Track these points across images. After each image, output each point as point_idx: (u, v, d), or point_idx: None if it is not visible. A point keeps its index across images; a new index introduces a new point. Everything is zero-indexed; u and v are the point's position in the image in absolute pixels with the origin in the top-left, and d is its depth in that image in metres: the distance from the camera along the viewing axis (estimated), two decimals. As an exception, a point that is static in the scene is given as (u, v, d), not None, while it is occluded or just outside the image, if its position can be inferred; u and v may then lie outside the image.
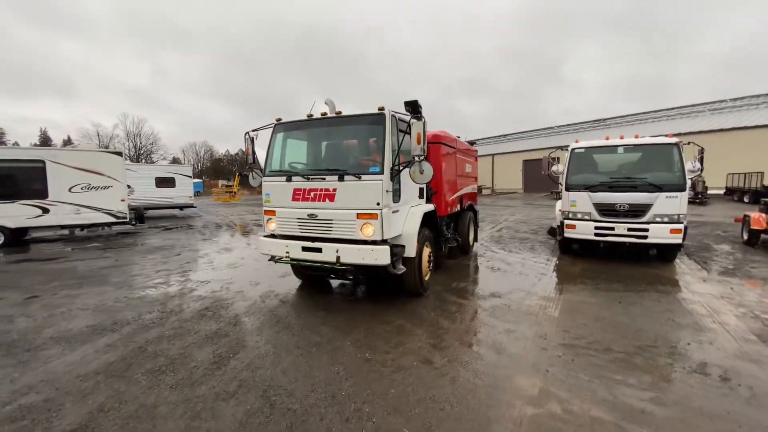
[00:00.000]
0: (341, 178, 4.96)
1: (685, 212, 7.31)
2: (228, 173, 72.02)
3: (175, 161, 64.44)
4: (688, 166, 7.52)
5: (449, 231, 7.78)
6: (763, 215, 9.20)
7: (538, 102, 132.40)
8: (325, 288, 6.37)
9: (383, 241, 4.86)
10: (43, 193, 11.91)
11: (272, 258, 5.53)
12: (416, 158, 4.72)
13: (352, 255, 4.85)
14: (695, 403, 3.03)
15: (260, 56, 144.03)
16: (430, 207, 6.20)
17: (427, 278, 5.91)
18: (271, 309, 5.38)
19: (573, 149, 8.40)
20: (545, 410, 2.93)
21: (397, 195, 5.11)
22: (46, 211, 11.96)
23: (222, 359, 3.82)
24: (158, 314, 5.22)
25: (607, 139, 8.48)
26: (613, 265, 7.71)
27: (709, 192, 25.54)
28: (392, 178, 4.92)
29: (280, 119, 5.72)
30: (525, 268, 7.62)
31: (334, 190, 5.00)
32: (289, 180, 5.35)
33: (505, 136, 61.31)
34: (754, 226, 9.21)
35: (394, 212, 5.03)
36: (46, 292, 6.43)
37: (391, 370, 3.56)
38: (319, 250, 5.06)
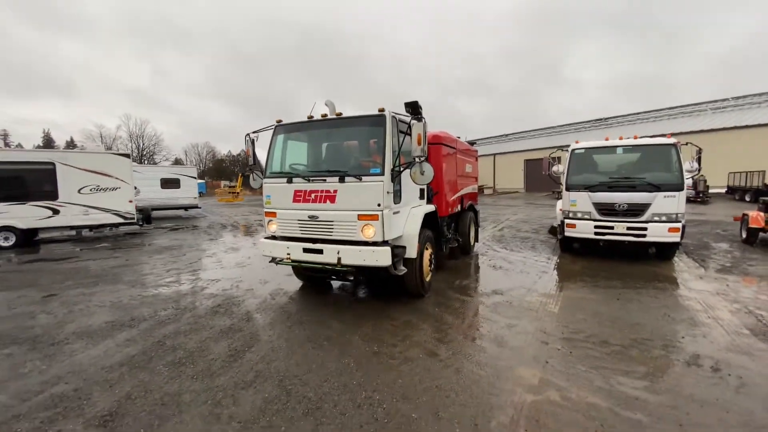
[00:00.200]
0: (342, 180, 4.97)
1: (683, 211, 7.48)
2: (230, 174, 72.45)
3: (177, 162, 64.84)
4: (686, 166, 7.70)
5: (450, 231, 7.82)
6: (761, 214, 9.35)
7: (539, 102, 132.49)
8: (331, 287, 6.56)
9: (384, 242, 4.87)
10: (53, 195, 12.18)
11: (273, 260, 5.53)
12: (417, 159, 4.73)
13: (353, 256, 4.86)
14: (686, 391, 3.22)
15: (260, 56, 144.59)
16: (431, 208, 6.22)
17: (428, 279, 5.93)
18: (281, 306, 5.58)
19: (573, 150, 8.58)
20: (544, 397, 3.12)
21: (397, 196, 5.13)
22: (56, 212, 12.22)
23: (238, 352, 4.03)
24: (173, 311, 5.43)
25: (607, 139, 8.65)
26: (613, 263, 7.89)
27: (710, 191, 25.62)
28: (393, 179, 4.93)
29: (280, 121, 5.75)
30: (526, 267, 7.80)
31: (335, 191, 5.01)
32: (289, 181, 5.37)
33: (506, 135, 61.41)
34: (752, 225, 9.36)
35: (394, 213, 5.04)
36: (62, 291, 6.65)
37: (398, 362, 3.76)
38: (320, 251, 5.07)
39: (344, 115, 5.33)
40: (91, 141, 59.78)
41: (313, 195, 5.16)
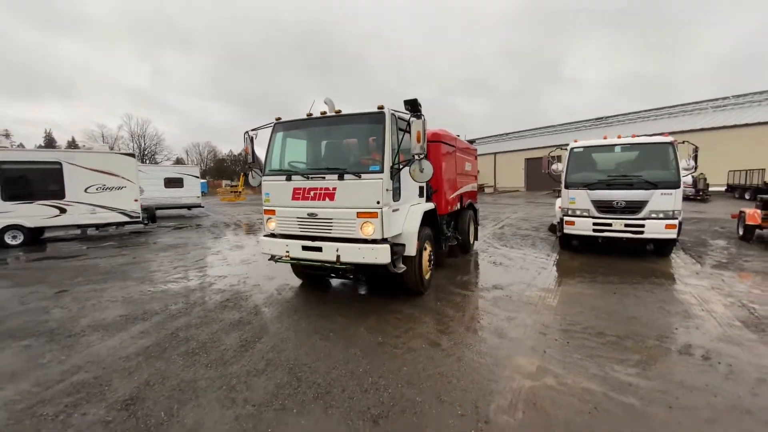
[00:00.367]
0: (341, 177, 4.97)
1: (679, 208, 7.63)
2: (231, 173, 72.66)
3: (178, 162, 65.08)
4: (682, 164, 7.84)
5: (449, 230, 7.84)
6: (758, 211, 9.49)
7: (539, 101, 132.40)
8: (334, 283, 6.73)
9: (383, 240, 4.86)
10: (60, 194, 12.37)
11: (272, 257, 5.54)
12: (416, 157, 4.73)
13: (352, 254, 4.86)
14: (677, 377, 3.38)
15: (261, 56, 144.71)
16: (430, 205, 6.21)
17: (427, 277, 5.94)
18: (288, 300, 5.76)
19: (572, 148, 8.73)
20: (542, 383, 3.29)
21: (397, 194, 5.12)
22: (63, 211, 12.41)
23: (248, 343, 4.21)
24: (183, 305, 5.60)
25: (605, 138, 8.80)
26: (611, 259, 8.04)
27: (710, 189, 25.74)
28: (392, 177, 4.92)
29: (279, 118, 5.74)
30: (526, 263, 7.96)
31: (334, 189, 5.00)
32: (288, 179, 5.35)
33: (507, 134, 61.53)
34: (749, 222, 9.51)
35: (394, 211, 5.04)
36: (73, 287, 6.83)
37: (402, 351, 3.93)
38: (319, 249, 5.07)
39: (343, 112, 5.34)
40: (93, 141, 59.95)
41: (312, 193, 5.16)
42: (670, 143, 7.84)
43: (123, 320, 5.06)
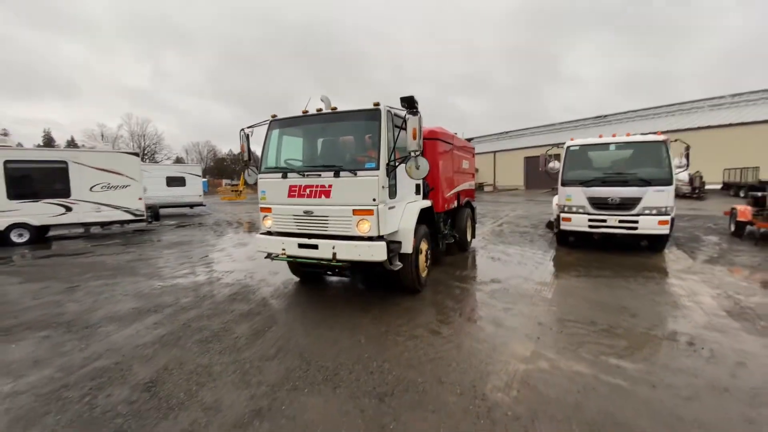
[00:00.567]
0: (337, 174, 4.95)
1: (672, 205, 7.86)
2: (231, 172, 72.81)
3: (178, 161, 65.21)
4: (675, 162, 8.07)
5: (447, 228, 7.86)
6: (749, 208, 9.73)
7: (539, 99, 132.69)
8: (337, 278, 6.95)
9: (379, 237, 4.85)
10: (65, 193, 12.57)
11: (268, 255, 5.53)
12: (412, 154, 4.72)
13: (349, 251, 4.84)
14: (661, 360, 3.62)
15: (260, 55, 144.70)
16: (427, 203, 6.20)
17: (424, 275, 5.94)
18: (294, 293, 5.99)
19: (568, 147, 8.96)
20: (535, 366, 3.52)
21: (393, 191, 5.11)
22: (68, 209, 12.62)
23: (259, 332, 4.44)
24: (193, 299, 5.83)
25: (601, 137, 9.03)
26: (606, 255, 8.27)
27: (706, 187, 25.99)
28: (388, 174, 4.91)
29: (275, 115, 5.71)
30: (524, 259, 8.19)
31: (330, 186, 4.99)
32: (284, 177, 5.34)
33: (506, 133, 61.74)
34: (740, 218, 9.75)
35: (390, 208, 5.03)
36: (84, 282, 7.05)
37: (405, 339, 4.16)
38: (315, 246, 5.04)
39: (339, 109, 5.32)
40: (93, 140, 60.01)
41: (308, 190, 5.14)
42: (663, 142, 8.07)
43: (136, 312, 5.28)
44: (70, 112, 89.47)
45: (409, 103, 4.73)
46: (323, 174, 5.09)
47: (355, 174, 4.89)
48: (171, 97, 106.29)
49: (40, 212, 12.20)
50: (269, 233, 5.64)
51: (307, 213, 5.18)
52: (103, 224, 13.66)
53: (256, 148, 5.95)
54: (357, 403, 2.99)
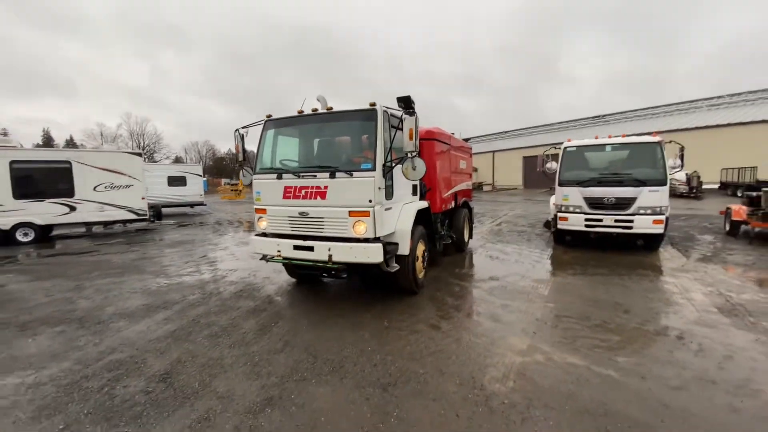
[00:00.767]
0: (333, 176, 4.89)
1: (666, 204, 8.04)
2: (230, 172, 72.88)
3: (177, 160, 65.31)
4: (669, 162, 8.26)
5: (444, 228, 7.82)
6: (744, 207, 9.92)
7: (537, 99, 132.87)
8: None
9: (376, 239, 4.80)
10: (69, 192, 12.73)
11: (264, 257, 5.47)
12: (409, 154, 4.68)
13: (345, 253, 4.80)
14: (651, 353, 3.80)
15: (259, 55, 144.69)
16: (424, 204, 6.14)
17: (421, 276, 5.92)
18: (298, 291, 6.16)
19: (565, 148, 9.14)
20: (531, 359, 3.70)
21: (389, 192, 5.06)
22: (72, 209, 12.78)
23: (266, 327, 4.61)
24: (200, 296, 5.99)
25: (597, 138, 9.21)
26: (602, 254, 8.45)
27: (704, 186, 26.19)
28: (384, 175, 4.85)
29: (270, 115, 5.64)
30: (521, 257, 8.37)
31: (326, 187, 4.93)
32: (279, 177, 5.28)
33: (505, 132, 61.92)
34: (734, 218, 9.94)
35: (386, 209, 4.98)
36: (92, 280, 7.21)
37: (406, 333, 4.34)
38: (310, 248, 4.99)
39: (335, 109, 5.26)
40: (93, 139, 60.27)
41: (303, 191, 5.08)
42: (658, 143, 8.25)
43: (146, 309, 5.45)
44: (69, 111, 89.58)
45: (406, 103, 4.67)
46: (319, 175, 5.03)
47: (351, 175, 4.84)
48: (170, 96, 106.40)
49: (45, 212, 12.36)
50: (264, 234, 5.59)
51: (303, 214, 5.13)
52: (106, 223, 13.82)
53: (252, 149, 5.91)
54: (362, 392, 3.17)
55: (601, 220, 8.36)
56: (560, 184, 8.95)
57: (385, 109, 5.02)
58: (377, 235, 4.80)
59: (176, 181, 22.10)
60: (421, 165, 4.74)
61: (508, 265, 7.70)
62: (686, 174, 23.68)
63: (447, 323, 4.64)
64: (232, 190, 38.94)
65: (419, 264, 5.83)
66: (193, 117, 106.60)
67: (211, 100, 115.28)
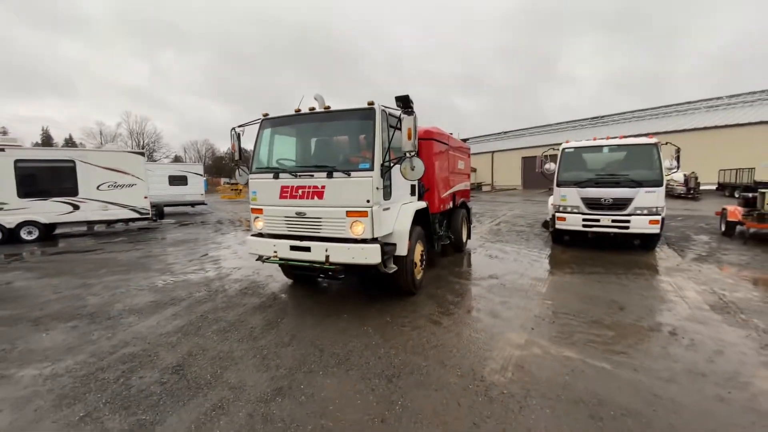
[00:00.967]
0: (330, 175, 4.85)
1: (662, 205, 8.20)
2: (230, 171, 72.98)
3: (177, 159, 65.43)
4: (665, 164, 8.42)
5: (442, 229, 7.81)
6: (739, 208, 10.09)
7: (537, 99, 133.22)
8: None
9: (374, 240, 4.76)
10: (73, 191, 12.86)
11: (260, 257, 5.41)
12: (407, 154, 4.64)
13: (342, 254, 4.75)
14: (644, 347, 3.95)
15: (258, 55, 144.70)
16: (422, 204, 6.09)
17: (419, 277, 5.88)
18: (302, 288, 6.30)
19: (564, 149, 9.30)
20: (529, 352, 3.86)
21: (387, 192, 5.03)
22: (76, 207, 12.92)
23: (272, 322, 4.76)
24: (206, 293, 6.14)
25: (595, 139, 9.37)
26: (599, 253, 8.61)
27: (702, 187, 26.38)
28: (383, 175, 4.82)
29: (266, 114, 5.60)
30: (520, 256, 8.52)
31: (323, 187, 4.89)
32: (276, 177, 5.23)
33: (504, 133, 62.13)
34: (730, 218, 10.11)
35: (384, 210, 4.94)
36: (99, 277, 7.35)
37: (409, 329, 4.49)
38: (307, 249, 4.94)
39: (333, 108, 5.21)
40: (92, 138, 60.39)
41: (300, 191, 5.04)
42: (654, 144, 8.41)
43: (154, 305, 5.59)
44: (68, 110, 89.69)
45: (404, 102, 4.63)
46: (316, 174, 4.98)
47: (349, 175, 4.79)
48: (169, 95, 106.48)
49: (49, 210, 12.49)
50: (261, 235, 5.55)
51: (300, 214, 5.09)
52: (108, 222, 13.95)
53: (249, 148, 5.88)
54: (368, 383, 3.32)
55: (598, 221, 8.53)
56: (558, 185, 9.11)
57: (383, 108, 4.98)
58: (375, 236, 4.76)
59: (177, 180, 22.23)
60: (419, 165, 4.70)
61: (507, 263, 7.86)
62: (684, 175, 23.87)
63: (448, 319, 4.80)
64: (232, 190, 39.13)
65: (417, 265, 5.82)
66: (192, 116, 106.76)
67: (210, 100, 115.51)
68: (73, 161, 12.87)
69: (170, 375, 3.54)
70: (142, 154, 15.03)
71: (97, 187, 13.23)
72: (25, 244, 11.89)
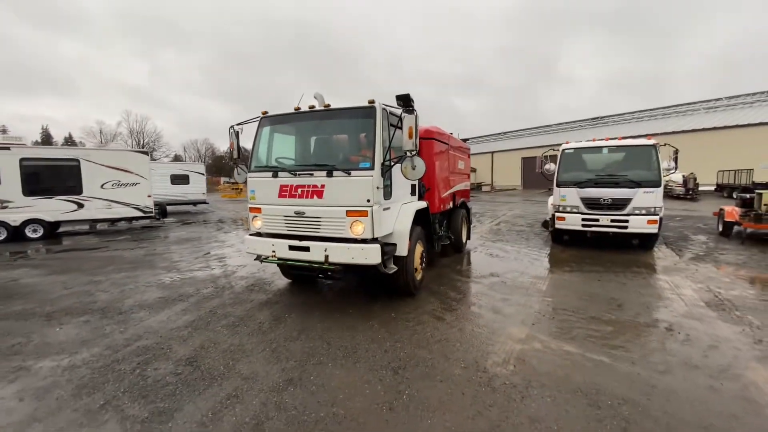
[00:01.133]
0: (330, 174, 4.80)
1: (660, 205, 8.35)
2: (230, 171, 73.03)
3: (177, 159, 65.53)
4: (663, 164, 8.57)
5: (442, 229, 7.78)
6: (736, 209, 10.24)
7: (536, 100, 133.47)
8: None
9: (374, 240, 4.71)
10: (77, 190, 12.98)
11: (258, 257, 5.36)
12: (408, 153, 4.58)
13: (342, 254, 4.70)
14: (641, 341, 4.10)
15: (258, 54, 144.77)
16: (423, 204, 6.06)
17: (419, 278, 5.83)
18: (308, 284, 6.43)
19: (563, 150, 9.44)
20: (530, 346, 3.99)
21: (388, 191, 4.99)
22: (80, 206, 13.03)
23: (280, 317, 4.89)
24: (213, 289, 6.27)
25: (594, 140, 9.52)
26: (599, 252, 8.76)
27: (700, 188, 26.54)
28: (383, 174, 4.78)
29: (266, 112, 5.57)
30: (520, 255, 8.67)
31: (323, 186, 4.84)
32: (275, 176, 5.18)
33: (504, 133, 62.31)
34: (727, 219, 10.26)
35: (385, 209, 4.90)
36: (107, 274, 7.48)
37: (413, 324, 4.63)
38: (306, 249, 4.89)
39: (333, 106, 5.16)
40: (92, 137, 60.48)
41: (299, 190, 4.99)
42: (653, 146, 8.55)
43: (163, 301, 5.72)
44: (67, 108, 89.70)
45: (405, 101, 4.57)
46: (316, 173, 4.93)
47: (349, 174, 4.74)
48: (168, 94, 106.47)
49: (54, 208, 12.61)
50: (259, 234, 5.51)
51: (299, 214, 5.03)
52: (112, 221, 14.07)
53: (247, 147, 5.83)
54: (375, 374, 3.46)
55: (597, 220, 8.67)
56: (558, 185, 9.25)
57: (384, 106, 4.94)
58: (375, 236, 4.71)
59: (179, 179, 22.34)
60: (420, 164, 4.66)
61: (507, 262, 8.00)
62: (683, 176, 24.04)
63: (450, 315, 4.94)
64: (232, 189, 39.21)
65: (417, 265, 5.77)
66: (191, 116, 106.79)
67: (210, 99, 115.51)
68: (77, 160, 12.99)
69: (184, 366, 3.68)
70: (146, 153, 15.16)
71: (101, 186, 13.35)
72: (30, 242, 12.00)
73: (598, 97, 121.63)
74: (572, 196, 8.95)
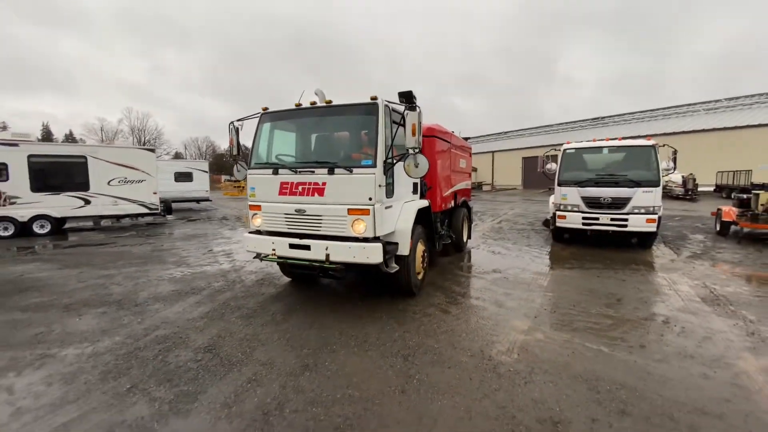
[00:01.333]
0: (331, 172, 4.73)
1: (659, 204, 8.54)
2: (231, 168, 73.20)
3: (177, 156, 65.68)
4: (663, 165, 8.75)
5: (443, 228, 7.75)
6: (734, 208, 10.43)
7: (536, 100, 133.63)
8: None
9: (375, 239, 4.66)
10: (84, 186, 13.14)
11: (257, 255, 5.31)
12: (411, 151, 4.51)
13: (343, 253, 4.63)
14: (638, 333, 4.29)
15: (258, 52, 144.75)
16: (425, 203, 6.01)
17: (420, 277, 5.80)
18: (314, 280, 6.61)
19: (565, 150, 9.63)
20: (532, 337, 4.19)
21: (390, 190, 4.93)
22: (87, 202, 13.19)
23: (292, 309, 5.09)
24: (224, 283, 6.45)
25: (594, 140, 9.71)
26: (598, 250, 8.95)
27: (699, 189, 26.74)
28: (385, 172, 4.70)
29: (266, 108, 5.50)
30: (522, 253, 8.86)
31: (324, 184, 4.79)
32: (275, 173, 5.11)
33: (504, 133, 62.50)
34: (725, 218, 10.46)
35: (387, 208, 4.83)
36: (118, 269, 7.66)
37: (420, 315, 4.83)
38: (307, 247, 4.83)
39: (335, 103, 5.10)
40: (93, 134, 60.66)
41: (300, 188, 4.93)
42: (652, 146, 8.74)
43: (176, 294, 5.91)
44: (68, 106, 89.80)
45: (408, 98, 4.52)
46: (317, 171, 4.86)
47: (351, 171, 4.68)
48: (169, 92, 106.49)
49: (61, 204, 12.77)
50: (258, 232, 5.45)
51: (300, 212, 4.97)
52: (117, 217, 14.24)
53: (247, 143, 5.79)
54: (386, 360, 3.65)
55: (597, 219, 8.86)
56: (559, 184, 9.44)
57: (386, 103, 4.86)
58: (377, 235, 4.65)
59: (183, 176, 22.51)
60: (424, 162, 4.58)
61: (509, 259, 8.19)
62: (682, 176, 24.24)
63: (455, 308, 5.13)
64: (234, 187, 39.43)
65: (419, 265, 5.73)
66: (192, 113, 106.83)
67: (211, 97, 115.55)
68: (84, 157, 13.16)
69: (204, 354, 3.86)
70: (153, 150, 15.32)
71: (108, 183, 13.52)
72: (38, 237, 12.18)
73: (597, 98, 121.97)
74: (573, 195, 9.14)
